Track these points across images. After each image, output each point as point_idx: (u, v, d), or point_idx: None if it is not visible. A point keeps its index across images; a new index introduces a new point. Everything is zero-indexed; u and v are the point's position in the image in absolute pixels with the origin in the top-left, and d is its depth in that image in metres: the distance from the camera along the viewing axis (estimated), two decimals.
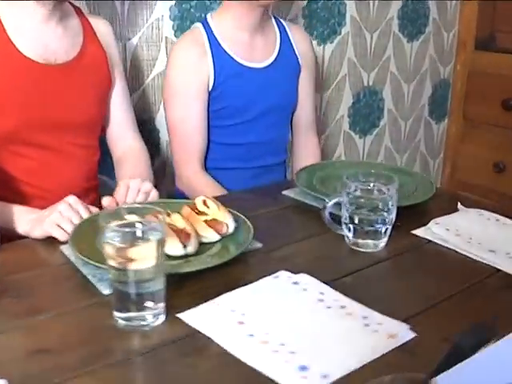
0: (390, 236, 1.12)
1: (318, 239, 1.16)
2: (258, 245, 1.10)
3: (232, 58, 1.57)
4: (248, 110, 1.61)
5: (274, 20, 1.67)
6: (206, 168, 1.65)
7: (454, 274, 1.05)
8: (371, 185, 1.13)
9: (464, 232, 1.16)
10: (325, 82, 2.23)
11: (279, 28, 1.67)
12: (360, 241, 1.10)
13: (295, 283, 0.96)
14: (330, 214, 1.12)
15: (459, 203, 1.32)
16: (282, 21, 1.70)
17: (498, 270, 1.04)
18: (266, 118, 1.64)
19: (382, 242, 1.12)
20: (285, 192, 1.37)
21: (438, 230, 1.17)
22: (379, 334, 0.83)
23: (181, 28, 1.78)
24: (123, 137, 1.47)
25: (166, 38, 1.78)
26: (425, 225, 1.20)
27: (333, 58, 2.22)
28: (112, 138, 1.47)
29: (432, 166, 2.80)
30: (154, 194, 1.19)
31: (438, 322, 0.89)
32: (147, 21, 1.73)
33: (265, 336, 0.82)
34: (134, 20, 1.71)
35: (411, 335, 0.83)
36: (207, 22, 1.58)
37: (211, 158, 1.65)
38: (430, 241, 1.15)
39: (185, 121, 1.56)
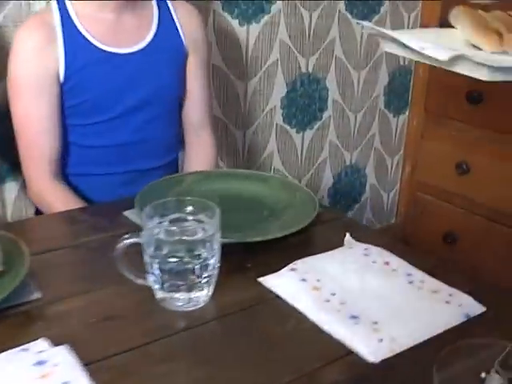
0: (218, 285, 0.85)
1: (116, 290, 0.87)
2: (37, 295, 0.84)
3: (89, 41, 1.28)
4: (113, 105, 1.32)
5: None
6: (66, 174, 1.37)
7: (293, 352, 0.77)
8: (188, 216, 0.85)
9: (327, 284, 0.87)
10: (249, 68, 1.93)
11: (159, 4, 1.37)
12: (170, 295, 0.82)
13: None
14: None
15: (348, 234, 1.02)
16: None
17: (350, 353, 0.76)
18: (137, 114, 1.35)
19: (203, 297, 0.83)
20: (126, 213, 1.09)
21: (289, 280, 0.88)
22: None
23: None
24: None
25: None
26: (282, 268, 0.91)
27: (259, 39, 1.91)
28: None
29: (390, 164, 2.49)
30: None
31: None
32: None
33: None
34: None
35: None
36: None
37: (71, 163, 1.37)
38: (278, 296, 0.87)
39: (28, 120, 1.28)
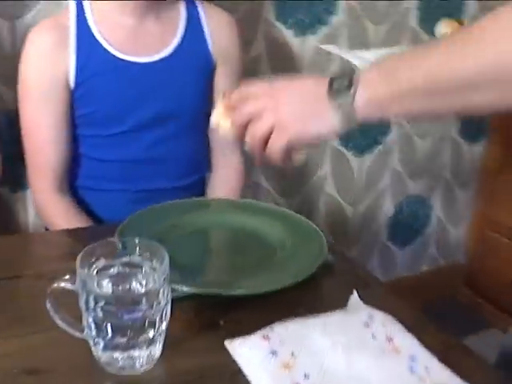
0: (174, 344, 0.71)
1: (52, 337, 0.73)
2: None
3: (104, 48, 1.17)
4: (126, 118, 1.21)
5: None
6: (75, 187, 1.27)
7: None
8: (133, 261, 0.71)
9: (302, 362, 0.69)
10: None
11: (188, 10, 1.25)
12: (107, 354, 0.68)
13: None
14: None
15: (355, 293, 0.85)
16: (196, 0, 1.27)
17: None
18: (153, 129, 1.23)
19: (146, 359, 0.69)
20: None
21: (256, 352, 0.71)
22: None
23: None
24: None
25: None
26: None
27: (316, 52, 1.75)
28: None
29: (460, 198, 2.24)
30: None
31: None
32: None
33: None
34: None
35: None
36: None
37: (81, 175, 1.27)
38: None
39: (35, 126, 1.19)
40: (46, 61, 1.15)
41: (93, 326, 0.67)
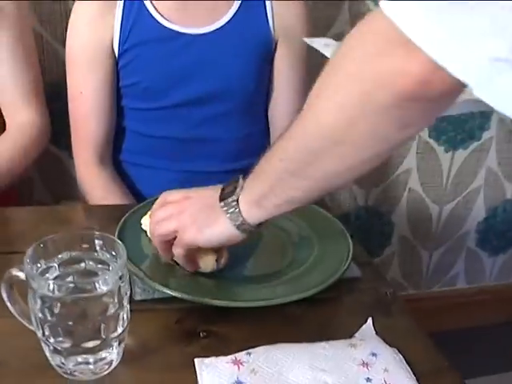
0: (142, 353, 0.65)
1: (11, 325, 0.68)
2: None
3: (152, 15, 1.09)
4: (171, 92, 1.13)
5: None
6: (119, 161, 1.22)
7: None
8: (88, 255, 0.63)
9: None
10: None
11: None
12: (55, 358, 0.62)
13: None
14: None
15: (370, 321, 0.73)
16: None
17: None
18: (200, 107, 1.15)
19: (97, 367, 0.62)
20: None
21: (219, 380, 0.62)
22: None
23: None
24: None
25: None
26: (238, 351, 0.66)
27: None
28: None
29: None
30: None
31: None
32: None
33: None
34: None
35: None
36: None
37: (125, 149, 1.21)
38: None
39: (79, 96, 1.14)
40: (91, 28, 1.10)
41: (35, 324, 0.60)
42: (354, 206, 1.78)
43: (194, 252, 0.75)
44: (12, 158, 1.12)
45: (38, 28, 1.35)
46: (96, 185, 1.16)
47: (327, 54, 0.68)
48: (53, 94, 1.36)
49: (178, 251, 0.74)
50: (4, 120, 1.17)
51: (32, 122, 1.16)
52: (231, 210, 0.70)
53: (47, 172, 1.49)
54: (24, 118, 1.16)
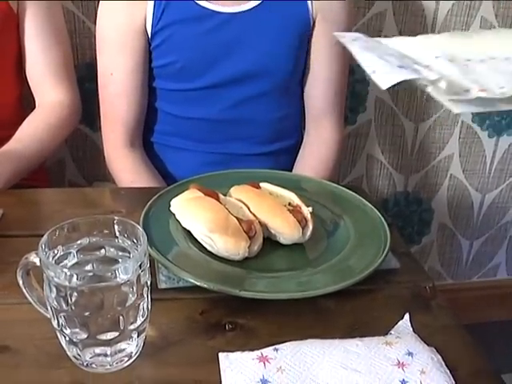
0: (163, 347, 0.61)
1: (24, 311, 0.65)
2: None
3: None
4: (205, 72, 1.09)
5: None
6: (150, 142, 1.19)
7: None
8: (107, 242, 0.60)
9: None
10: None
11: None
12: (72, 349, 0.59)
13: None
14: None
15: (407, 316, 0.69)
16: None
17: None
18: (235, 87, 1.11)
19: (114, 360, 0.59)
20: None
21: (243, 377, 0.58)
22: None
23: None
24: None
25: None
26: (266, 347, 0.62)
27: None
28: None
29: None
30: None
31: None
32: None
33: None
34: None
35: None
36: None
37: (157, 131, 1.19)
38: None
39: (109, 77, 1.11)
40: (123, 8, 1.06)
41: (50, 313, 0.57)
42: (393, 192, 1.73)
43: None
44: (41, 138, 1.09)
45: (70, 7, 1.33)
46: (125, 168, 1.14)
47: (352, 49, 0.63)
48: (86, 74, 1.34)
49: None
50: (34, 98, 1.15)
51: (62, 101, 1.14)
52: None
53: (80, 153, 1.47)
54: (53, 97, 1.14)
